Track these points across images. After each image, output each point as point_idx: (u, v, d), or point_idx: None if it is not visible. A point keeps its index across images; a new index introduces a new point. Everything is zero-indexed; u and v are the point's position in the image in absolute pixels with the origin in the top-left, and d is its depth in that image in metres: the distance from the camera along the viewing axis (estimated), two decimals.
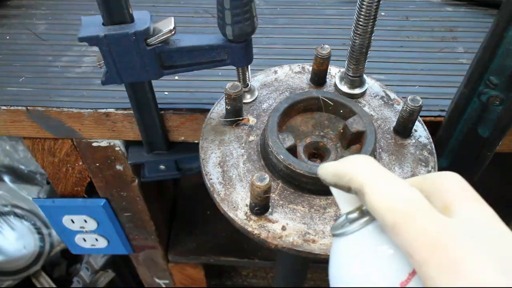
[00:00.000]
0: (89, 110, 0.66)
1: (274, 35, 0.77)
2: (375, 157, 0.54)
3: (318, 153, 0.56)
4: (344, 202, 0.35)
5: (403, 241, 0.28)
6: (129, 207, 0.89)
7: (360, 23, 0.52)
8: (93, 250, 1.02)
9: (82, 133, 0.70)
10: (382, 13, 0.80)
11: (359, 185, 0.32)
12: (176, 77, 0.70)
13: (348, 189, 0.33)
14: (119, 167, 0.78)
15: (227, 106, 0.56)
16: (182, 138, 0.71)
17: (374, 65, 0.70)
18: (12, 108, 0.66)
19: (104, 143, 0.74)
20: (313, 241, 0.48)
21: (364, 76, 0.61)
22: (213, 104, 0.61)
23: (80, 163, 0.79)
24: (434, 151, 0.56)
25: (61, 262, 1.48)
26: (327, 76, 0.62)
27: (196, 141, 0.71)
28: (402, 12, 0.81)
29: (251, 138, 0.56)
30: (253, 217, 0.49)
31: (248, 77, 0.59)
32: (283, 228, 0.49)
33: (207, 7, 0.82)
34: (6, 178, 1.13)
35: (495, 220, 0.29)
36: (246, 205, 0.50)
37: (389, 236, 0.30)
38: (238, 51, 0.54)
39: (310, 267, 0.92)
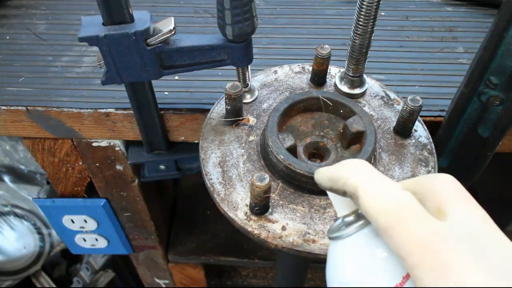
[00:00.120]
0: (89, 110, 0.66)
1: (274, 35, 0.77)
2: (375, 157, 0.54)
3: (318, 153, 0.56)
4: (340, 205, 0.36)
5: (396, 244, 0.28)
6: (129, 207, 0.89)
7: (360, 23, 0.52)
8: (93, 250, 1.02)
9: (82, 133, 0.70)
10: (382, 13, 0.80)
11: (353, 189, 0.32)
12: (176, 77, 0.70)
13: (343, 193, 0.34)
14: (119, 167, 0.78)
15: (227, 106, 0.56)
16: (182, 138, 0.71)
17: (374, 65, 0.70)
18: (12, 108, 0.67)
19: (104, 143, 0.74)
20: (313, 241, 0.48)
21: (364, 76, 0.61)
22: (213, 104, 0.61)
23: (80, 163, 0.79)
24: (434, 151, 0.56)
25: (61, 262, 1.48)
26: (327, 76, 0.62)
27: (196, 141, 0.71)
28: (402, 12, 0.81)
29: (251, 138, 0.57)
30: (253, 217, 0.49)
31: (248, 77, 0.59)
32: (283, 228, 0.49)
33: (207, 7, 0.82)
34: (6, 178, 1.13)
35: (487, 222, 0.29)
36: (246, 205, 0.50)
37: (382, 238, 0.30)
38: (238, 51, 0.54)
39: (310, 267, 0.92)
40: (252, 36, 0.53)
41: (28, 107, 0.66)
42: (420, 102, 0.53)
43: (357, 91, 0.60)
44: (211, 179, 0.53)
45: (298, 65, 0.65)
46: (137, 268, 1.18)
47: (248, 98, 0.60)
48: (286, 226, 0.49)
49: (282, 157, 0.50)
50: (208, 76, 0.69)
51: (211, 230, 1.11)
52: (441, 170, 0.63)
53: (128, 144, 0.75)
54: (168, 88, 0.68)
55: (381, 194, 0.30)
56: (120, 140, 0.74)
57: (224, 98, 0.57)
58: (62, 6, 0.83)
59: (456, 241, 0.27)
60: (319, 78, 0.62)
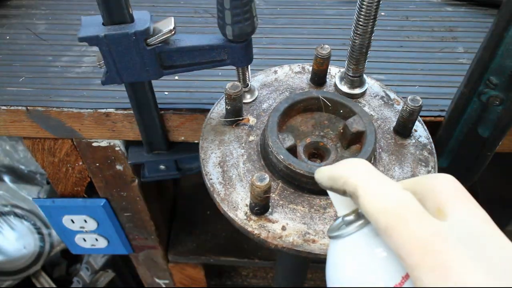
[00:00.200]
0: (89, 110, 0.66)
1: (274, 35, 0.77)
2: (375, 157, 0.54)
3: (318, 153, 0.56)
4: (340, 205, 0.36)
5: (396, 244, 0.28)
6: (129, 207, 0.89)
7: (360, 23, 0.52)
8: (93, 250, 1.02)
9: (82, 133, 0.70)
10: (382, 13, 0.80)
11: (353, 188, 0.32)
12: (176, 77, 0.70)
13: (343, 192, 0.34)
14: (119, 167, 0.78)
15: (227, 106, 0.56)
16: (182, 138, 0.71)
17: (374, 65, 0.70)
18: (12, 108, 0.67)
19: (104, 143, 0.74)
20: (313, 241, 0.48)
21: (364, 76, 0.61)
22: (213, 104, 0.61)
23: (80, 163, 0.79)
24: (434, 151, 0.56)
25: (61, 262, 1.48)
26: (327, 76, 0.62)
27: (196, 141, 0.71)
28: (402, 12, 0.81)
29: (251, 138, 0.57)
30: (253, 217, 0.49)
31: (248, 77, 0.59)
32: (283, 228, 0.49)
33: (207, 7, 0.82)
34: (6, 178, 1.13)
35: (487, 222, 0.29)
36: (246, 205, 0.50)
37: (382, 238, 0.30)
38: (238, 51, 0.54)
39: (310, 267, 0.92)
40: (252, 36, 0.53)
41: (28, 107, 0.66)
42: (420, 102, 0.53)
43: (357, 91, 0.60)
44: (211, 179, 0.53)
45: (298, 65, 0.65)
46: (137, 268, 1.18)
47: (248, 98, 0.60)
48: (286, 226, 0.49)
49: (282, 157, 0.50)
50: (208, 76, 0.69)
51: (211, 230, 1.11)
52: (441, 170, 0.63)
53: (128, 144, 0.75)
54: (168, 88, 0.68)
55: (381, 194, 0.30)
56: (120, 140, 0.74)
57: (224, 98, 0.57)
58: (62, 6, 0.83)
59: (456, 241, 0.27)
60: (319, 78, 0.62)
